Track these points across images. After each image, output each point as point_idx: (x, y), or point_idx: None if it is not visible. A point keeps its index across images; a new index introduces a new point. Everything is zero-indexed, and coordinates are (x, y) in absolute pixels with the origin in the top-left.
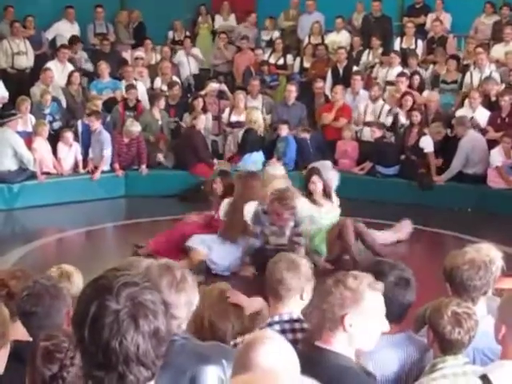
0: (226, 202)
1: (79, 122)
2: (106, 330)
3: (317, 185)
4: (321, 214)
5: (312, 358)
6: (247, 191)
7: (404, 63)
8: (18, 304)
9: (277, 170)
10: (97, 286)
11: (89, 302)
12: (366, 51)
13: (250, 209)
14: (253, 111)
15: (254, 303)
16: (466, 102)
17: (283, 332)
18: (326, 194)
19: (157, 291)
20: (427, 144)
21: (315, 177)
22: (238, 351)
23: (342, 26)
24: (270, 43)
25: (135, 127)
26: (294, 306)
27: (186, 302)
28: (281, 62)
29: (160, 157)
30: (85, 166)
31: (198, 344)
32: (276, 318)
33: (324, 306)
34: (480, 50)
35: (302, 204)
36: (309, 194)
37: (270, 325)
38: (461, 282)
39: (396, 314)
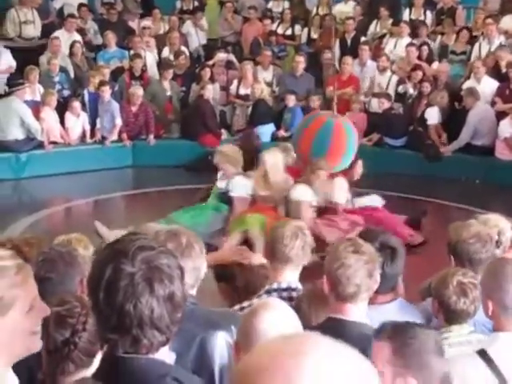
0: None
1: (85, 92)
2: (120, 292)
3: None
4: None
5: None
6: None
7: (413, 34)
8: (32, 270)
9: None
10: (112, 250)
11: (104, 264)
12: (374, 22)
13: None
14: (258, 86)
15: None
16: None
17: (281, 299)
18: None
19: (173, 256)
20: (431, 116)
21: None
22: (243, 318)
23: None
24: (280, 14)
25: (138, 90)
26: (292, 274)
27: (192, 267)
28: (289, 32)
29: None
30: (92, 136)
31: (208, 310)
32: (274, 286)
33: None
34: (490, 21)
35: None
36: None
37: (269, 292)
38: (467, 256)
39: (381, 283)
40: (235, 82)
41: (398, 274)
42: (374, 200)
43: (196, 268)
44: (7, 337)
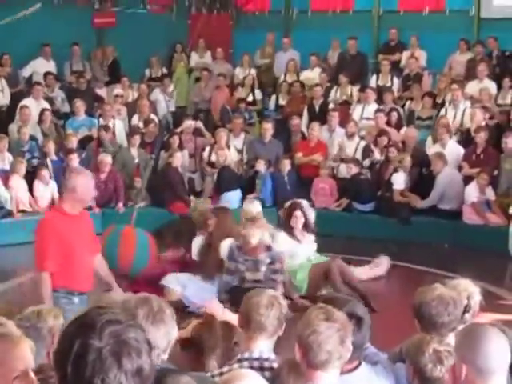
0: (197, 239)
1: (48, 160)
2: (88, 367)
3: (299, 219)
4: (300, 249)
5: None
6: (220, 228)
7: (380, 100)
8: None
9: (253, 206)
10: (80, 324)
11: (72, 339)
12: (335, 88)
13: (225, 245)
14: (222, 153)
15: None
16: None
17: (251, 369)
18: (307, 229)
19: (141, 329)
20: (396, 181)
21: (298, 212)
22: None
23: (316, 64)
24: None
25: (106, 157)
26: (265, 344)
27: (164, 332)
28: (250, 98)
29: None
30: None
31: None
32: (246, 355)
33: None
34: (455, 86)
35: (281, 238)
36: (289, 229)
37: (240, 361)
38: (429, 318)
39: None
40: (207, 149)
41: (365, 343)
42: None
43: (168, 332)
44: None
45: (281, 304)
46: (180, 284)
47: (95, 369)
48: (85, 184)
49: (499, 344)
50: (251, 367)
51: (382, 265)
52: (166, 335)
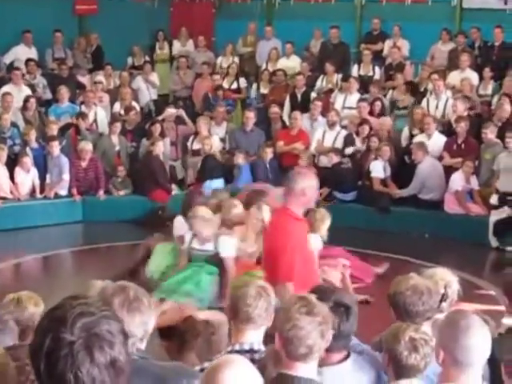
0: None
1: (28, 148)
2: (61, 362)
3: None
4: None
5: None
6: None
7: (363, 89)
8: None
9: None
10: (52, 317)
11: (44, 333)
12: (321, 77)
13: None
14: (208, 141)
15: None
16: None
17: None
18: None
19: (115, 320)
20: (374, 168)
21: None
22: (205, 374)
23: (291, 51)
24: (226, 68)
25: (87, 145)
26: (256, 336)
27: (140, 321)
28: (234, 86)
29: (114, 186)
30: (42, 191)
31: (157, 364)
32: (236, 347)
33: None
34: (436, 76)
35: None
36: None
37: (231, 353)
38: (403, 308)
39: (335, 342)
40: (191, 138)
41: (352, 332)
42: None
43: (144, 322)
44: None
45: (269, 295)
46: None
47: (67, 364)
48: (313, 186)
49: (481, 339)
50: None
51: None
52: (141, 324)
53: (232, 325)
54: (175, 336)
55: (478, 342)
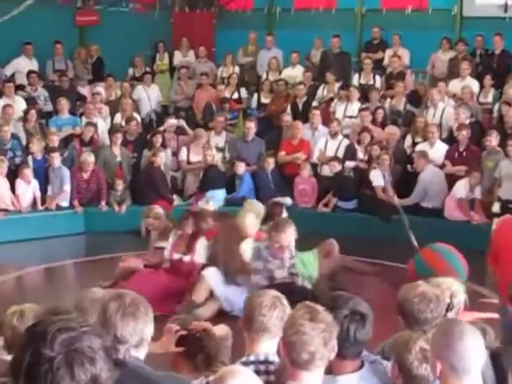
0: (202, 244)
1: (30, 158)
2: (41, 378)
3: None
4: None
5: None
6: (234, 231)
7: (363, 98)
8: None
9: (253, 206)
10: (32, 333)
11: (24, 349)
12: (322, 86)
13: (246, 247)
14: (210, 152)
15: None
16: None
17: (257, 373)
18: None
19: (97, 335)
20: (374, 177)
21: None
22: None
23: (297, 61)
24: (227, 78)
25: (89, 157)
26: (270, 346)
27: (134, 327)
28: (235, 96)
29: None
30: (43, 203)
31: (151, 371)
32: (252, 358)
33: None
34: (434, 88)
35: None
36: None
37: (246, 364)
38: (412, 315)
39: (350, 349)
40: (184, 150)
41: (368, 339)
42: None
43: (140, 329)
44: None
45: (283, 304)
46: (219, 282)
47: (47, 380)
48: None
49: (475, 344)
50: (257, 371)
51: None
52: (137, 331)
53: (246, 335)
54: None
55: (474, 348)
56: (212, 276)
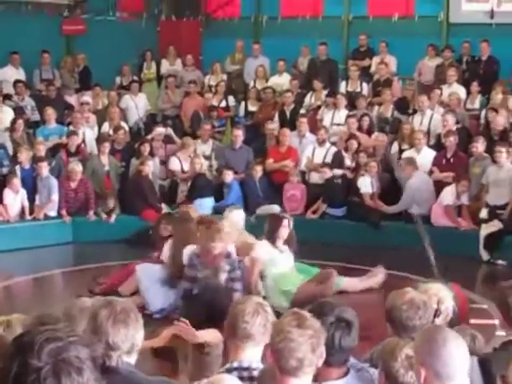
0: (169, 243)
1: (18, 168)
2: None
3: (287, 230)
4: (281, 258)
5: None
6: (183, 234)
7: (351, 106)
8: None
9: (234, 214)
10: (19, 343)
11: (11, 359)
12: (310, 93)
13: (187, 252)
14: (198, 160)
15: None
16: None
17: (241, 379)
18: (288, 240)
19: (85, 345)
20: (362, 184)
21: (287, 221)
22: None
23: (284, 69)
24: (215, 86)
25: (77, 166)
26: (255, 354)
27: (126, 334)
28: (223, 104)
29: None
30: (31, 213)
31: (144, 378)
32: (235, 364)
33: None
34: (422, 95)
35: (262, 246)
36: (272, 238)
37: (229, 371)
38: (400, 322)
39: (336, 356)
40: (176, 160)
41: (353, 347)
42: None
43: (131, 335)
44: None
45: (266, 311)
46: (149, 279)
47: None
48: None
49: (458, 350)
50: (241, 377)
51: (375, 277)
52: (128, 337)
53: (230, 343)
54: (168, 356)
55: (458, 354)
56: (142, 271)
